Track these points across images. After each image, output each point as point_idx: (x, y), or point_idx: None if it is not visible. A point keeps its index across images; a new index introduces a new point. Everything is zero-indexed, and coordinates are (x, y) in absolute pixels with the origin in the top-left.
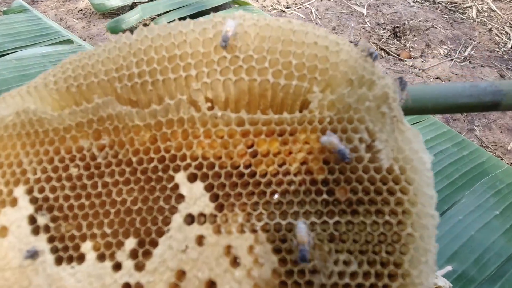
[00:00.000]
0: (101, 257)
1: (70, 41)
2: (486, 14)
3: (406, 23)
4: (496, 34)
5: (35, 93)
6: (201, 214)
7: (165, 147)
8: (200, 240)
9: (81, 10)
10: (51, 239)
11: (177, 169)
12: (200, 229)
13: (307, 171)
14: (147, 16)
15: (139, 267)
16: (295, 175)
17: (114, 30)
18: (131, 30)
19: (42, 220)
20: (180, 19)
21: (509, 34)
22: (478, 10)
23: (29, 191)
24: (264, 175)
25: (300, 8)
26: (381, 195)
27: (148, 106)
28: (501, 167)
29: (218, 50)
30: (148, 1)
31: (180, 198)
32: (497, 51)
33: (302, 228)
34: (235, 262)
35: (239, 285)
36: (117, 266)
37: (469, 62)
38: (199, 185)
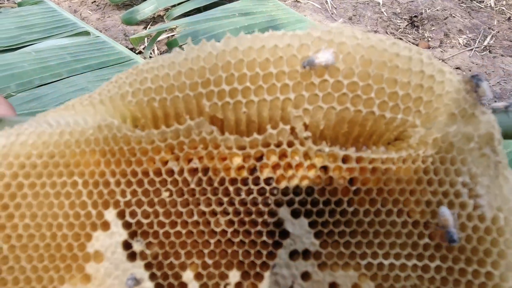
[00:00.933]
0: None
1: (87, 33)
2: (504, 2)
3: (424, 12)
4: None
5: (109, 104)
6: (306, 251)
7: (265, 179)
8: (306, 276)
9: (95, 1)
10: (148, 266)
11: (280, 204)
12: (306, 266)
13: (409, 215)
14: (162, 7)
15: None
16: (398, 216)
17: (129, 22)
18: (147, 21)
19: (137, 246)
20: (195, 9)
21: None
22: None
23: (121, 215)
24: (367, 214)
25: None
26: (483, 245)
27: (235, 127)
28: None
29: (319, 71)
30: None
31: (285, 234)
32: None
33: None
34: None
35: None
36: None
37: (489, 51)
38: (303, 222)
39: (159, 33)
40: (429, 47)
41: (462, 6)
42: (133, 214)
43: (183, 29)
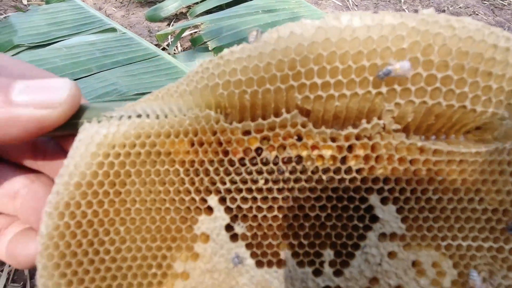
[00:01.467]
0: (300, 264)
1: (113, 29)
2: None
3: (446, 9)
4: None
5: (198, 94)
6: (394, 233)
7: (357, 169)
8: (392, 255)
9: None
10: (249, 246)
11: (370, 192)
12: (392, 246)
13: (489, 203)
14: (185, 4)
15: (338, 274)
16: (479, 204)
17: (152, 19)
18: (170, 18)
19: (239, 229)
20: (217, 7)
21: None
22: None
23: (222, 201)
24: (450, 202)
25: None
26: None
27: (321, 118)
28: None
29: (413, 63)
30: None
31: (375, 219)
32: None
33: (475, 276)
34: (421, 273)
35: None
36: (317, 272)
37: None
38: (392, 208)
39: (183, 30)
40: None
41: (485, 3)
42: (233, 200)
43: (207, 26)
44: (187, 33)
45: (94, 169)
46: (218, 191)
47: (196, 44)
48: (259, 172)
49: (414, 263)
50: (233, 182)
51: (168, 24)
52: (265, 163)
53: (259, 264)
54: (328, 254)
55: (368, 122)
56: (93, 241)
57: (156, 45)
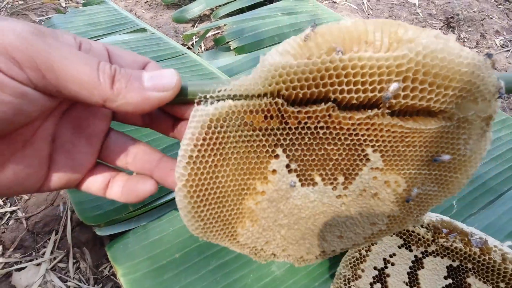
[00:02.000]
0: (325, 184)
1: (144, 30)
2: None
3: (460, 13)
4: None
5: (268, 85)
6: (377, 167)
7: (362, 134)
8: (374, 178)
9: (147, 1)
10: (298, 176)
11: (367, 146)
12: (375, 173)
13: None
14: (209, 7)
15: (346, 188)
16: (425, 152)
17: (179, 20)
18: (194, 19)
19: (293, 166)
20: (239, 10)
21: None
22: None
23: (285, 151)
24: (410, 151)
25: None
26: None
27: (345, 105)
28: None
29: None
30: None
31: (368, 160)
32: None
33: (414, 191)
34: (388, 185)
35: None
36: (334, 188)
37: None
38: (377, 155)
39: (207, 31)
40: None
41: (500, 8)
42: (291, 150)
43: (230, 28)
44: (210, 33)
45: (204, 140)
46: (281, 145)
47: (219, 44)
48: (305, 134)
49: (385, 182)
50: (290, 140)
51: (193, 25)
52: (308, 129)
53: (303, 185)
54: (341, 178)
55: (372, 110)
56: (212, 176)
57: (182, 44)
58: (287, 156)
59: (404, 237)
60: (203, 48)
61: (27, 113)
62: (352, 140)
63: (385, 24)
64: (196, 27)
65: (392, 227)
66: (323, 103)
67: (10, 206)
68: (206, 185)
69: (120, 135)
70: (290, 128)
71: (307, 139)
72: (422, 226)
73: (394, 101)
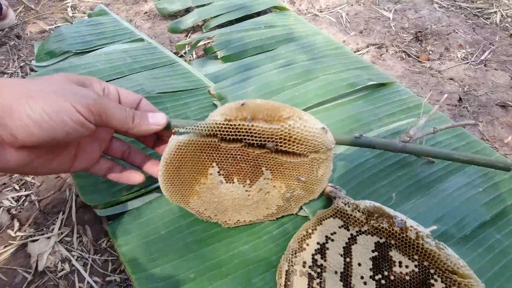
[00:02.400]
0: (239, 183)
1: (141, 40)
2: (509, 19)
3: (429, 27)
4: None
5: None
6: (268, 178)
7: (262, 158)
8: (267, 183)
9: (146, 12)
10: (224, 177)
11: (263, 166)
12: (267, 181)
13: (299, 168)
14: (201, 19)
15: (251, 186)
16: (297, 169)
17: (174, 30)
18: (187, 30)
19: (222, 172)
20: (228, 22)
21: None
22: (502, 15)
23: (217, 164)
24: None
25: (332, 12)
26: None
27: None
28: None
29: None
30: (202, 6)
31: (263, 173)
32: None
33: (289, 193)
34: (275, 187)
35: (275, 192)
36: (244, 186)
37: (484, 65)
38: (268, 172)
39: (198, 41)
40: (428, 60)
41: (468, 22)
42: (221, 163)
43: (218, 39)
44: (201, 43)
45: (175, 153)
46: (215, 161)
47: (208, 53)
48: (229, 156)
49: (273, 185)
50: (220, 158)
51: (186, 35)
52: (231, 155)
53: (227, 182)
54: (248, 181)
55: (264, 149)
56: (176, 172)
57: (175, 53)
58: (218, 167)
59: (344, 219)
60: (194, 56)
61: (83, 134)
62: (255, 162)
63: (278, 108)
64: (189, 37)
65: (279, 211)
66: (239, 143)
67: (25, 191)
68: (173, 175)
69: (119, 140)
70: (221, 153)
71: (230, 159)
72: (358, 210)
73: (275, 147)
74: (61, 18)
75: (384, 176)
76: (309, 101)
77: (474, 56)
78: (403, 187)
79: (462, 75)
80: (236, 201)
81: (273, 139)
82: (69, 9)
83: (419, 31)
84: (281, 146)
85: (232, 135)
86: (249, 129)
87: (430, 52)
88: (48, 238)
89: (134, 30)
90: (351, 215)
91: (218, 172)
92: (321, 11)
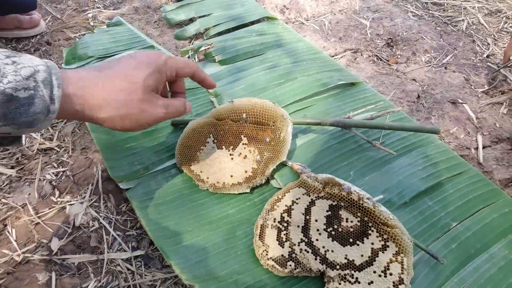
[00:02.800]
0: (226, 149)
1: (152, 46)
2: (474, 27)
3: (400, 34)
4: (478, 45)
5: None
6: (245, 143)
7: (241, 129)
8: (244, 147)
9: (156, 21)
10: (216, 144)
11: (241, 134)
12: (244, 146)
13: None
14: (203, 28)
15: (233, 150)
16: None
17: (179, 38)
18: (191, 37)
19: (215, 141)
20: (226, 30)
21: (489, 45)
22: (468, 23)
23: (213, 135)
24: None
25: (316, 20)
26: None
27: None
28: (435, 142)
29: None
30: (203, 16)
31: (241, 139)
32: (473, 59)
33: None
34: (250, 152)
35: (250, 156)
36: (228, 150)
37: (445, 68)
38: (245, 138)
39: (199, 47)
40: (396, 63)
41: (437, 29)
42: (215, 135)
43: (216, 45)
44: (202, 48)
45: (191, 129)
46: (212, 133)
47: (208, 57)
48: (221, 130)
49: (249, 150)
50: (215, 132)
51: (190, 42)
52: (222, 129)
53: (218, 148)
54: (231, 147)
55: (241, 122)
56: (187, 142)
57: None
58: (213, 137)
59: (307, 188)
60: (196, 59)
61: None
62: (236, 132)
63: (252, 99)
64: (192, 43)
65: (255, 173)
66: (227, 119)
67: (62, 168)
68: (186, 144)
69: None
70: (216, 127)
71: (221, 132)
72: (317, 181)
73: (247, 118)
74: (83, 27)
75: (344, 158)
76: (288, 100)
77: (437, 60)
78: (360, 167)
79: (423, 76)
80: (222, 163)
81: (247, 113)
82: (90, 19)
83: (389, 38)
84: (251, 117)
85: (223, 115)
86: (232, 108)
87: (399, 56)
88: (81, 203)
89: (146, 38)
90: (312, 185)
91: (213, 141)
92: (307, 20)
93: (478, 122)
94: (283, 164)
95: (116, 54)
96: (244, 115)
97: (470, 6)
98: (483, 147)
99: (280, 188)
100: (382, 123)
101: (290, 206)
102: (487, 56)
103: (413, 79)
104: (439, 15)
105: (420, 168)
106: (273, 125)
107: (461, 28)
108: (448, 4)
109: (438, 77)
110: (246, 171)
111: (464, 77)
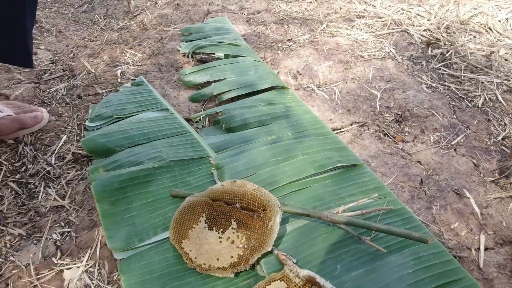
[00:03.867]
0: (216, 231)
1: (166, 109)
2: (491, 104)
3: (411, 109)
4: (493, 125)
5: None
6: (234, 228)
7: (232, 213)
8: (233, 232)
9: (175, 81)
10: (208, 225)
11: (232, 218)
12: (233, 230)
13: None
14: (216, 92)
15: (222, 233)
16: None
17: (193, 100)
18: (205, 99)
19: (207, 222)
20: (237, 96)
21: (506, 125)
22: (485, 99)
23: (206, 216)
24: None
25: (327, 88)
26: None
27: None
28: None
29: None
30: (217, 81)
31: (231, 224)
32: (486, 141)
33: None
34: (237, 237)
35: (237, 242)
36: (218, 233)
37: (454, 150)
38: (235, 223)
39: (208, 115)
40: (403, 141)
41: (451, 104)
42: (208, 216)
43: (224, 114)
44: (212, 113)
45: (186, 206)
46: (205, 213)
47: (216, 124)
48: (214, 212)
49: (237, 235)
50: (208, 212)
51: (203, 104)
52: (215, 211)
53: (209, 229)
54: (221, 230)
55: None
56: (181, 219)
57: (190, 119)
58: (206, 217)
59: (288, 283)
60: (207, 122)
61: None
62: (227, 215)
63: (246, 183)
64: (204, 106)
65: (240, 260)
66: (221, 201)
67: (67, 228)
68: (179, 221)
69: None
70: (209, 207)
71: (214, 213)
72: (298, 277)
73: (241, 207)
74: (111, 84)
75: (333, 250)
76: (284, 180)
77: (447, 140)
78: (348, 261)
79: (429, 159)
80: (211, 245)
81: (240, 199)
82: (118, 75)
83: (400, 113)
84: (243, 203)
85: (218, 196)
86: (226, 191)
87: (406, 134)
88: (78, 267)
89: (162, 101)
90: (293, 280)
91: (205, 221)
92: (318, 87)
93: (483, 218)
94: (270, 252)
95: (134, 115)
96: (238, 204)
97: (488, 81)
98: (485, 249)
99: (264, 277)
100: (369, 224)
101: None
102: (502, 139)
103: (418, 161)
104: (455, 88)
105: (410, 271)
106: (263, 214)
107: (477, 104)
108: (465, 77)
109: (445, 161)
110: (232, 257)
111: (473, 162)
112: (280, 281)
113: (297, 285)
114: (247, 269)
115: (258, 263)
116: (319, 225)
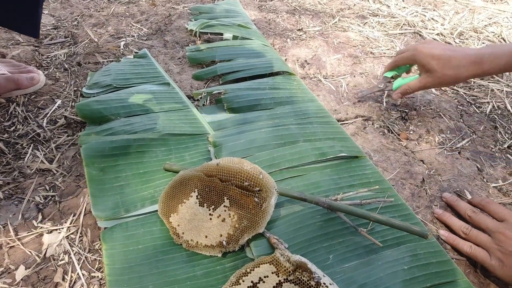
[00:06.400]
0: (207, 207)
1: (168, 84)
2: (499, 112)
3: (418, 109)
4: (500, 132)
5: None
6: (226, 205)
7: (226, 190)
8: (225, 210)
9: (180, 58)
10: (199, 201)
11: (225, 196)
12: (225, 208)
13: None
14: (221, 72)
15: (214, 211)
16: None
17: (197, 78)
18: (208, 78)
19: (199, 197)
20: (243, 79)
21: None
22: (493, 107)
23: (198, 191)
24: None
25: (334, 80)
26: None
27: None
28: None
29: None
30: (224, 61)
31: (223, 201)
32: (492, 148)
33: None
34: (229, 216)
35: (229, 220)
36: (209, 210)
37: (458, 153)
38: (228, 200)
39: (210, 93)
40: (407, 139)
41: (459, 108)
42: (199, 192)
43: (227, 93)
44: (215, 92)
45: (178, 180)
46: (197, 189)
47: (218, 103)
48: (206, 187)
49: (229, 214)
50: (200, 188)
51: (206, 83)
52: (207, 186)
53: (199, 205)
54: (212, 207)
55: (227, 182)
56: (171, 192)
57: (191, 97)
58: (198, 192)
59: (277, 267)
60: (208, 101)
61: None
62: (220, 192)
63: (243, 161)
64: (207, 84)
65: (229, 239)
66: (215, 177)
67: (52, 192)
68: (169, 194)
69: None
70: (202, 183)
71: (207, 189)
72: (289, 262)
73: (235, 183)
74: (113, 54)
75: (327, 239)
76: (283, 164)
77: (452, 142)
78: (341, 252)
79: (433, 159)
80: (200, 222)
81: (235, 177)
82: (122, 47)
83: (406, 111)
84: (238, 181)
85: (213, 172)
86: (222, 168)
87: (411, 132)
88: (59, 233)
89: (164, 75)
90: (283, 265)
91: (197, 196)
92: (325, 78)
93: None
94: (261, 234)
95: (133, 86)
96: (232, 183)
97: (498, 89)
98: None
99: (253, 259)
100: (368, 214)
101: (256, 283)
102: (508, 147)
103: (421, 160)
104: (464, 93)
105: (406, 267)
106: (258, 194)
107: (485, 110)
108: (475, 83)
109: (448, 163)
110: (221, 235)
111: (477, 166)
112: (270, 264)
113: (287, 269)
114: (236, 249)
115: (248, 245)
116: (314, 212)
